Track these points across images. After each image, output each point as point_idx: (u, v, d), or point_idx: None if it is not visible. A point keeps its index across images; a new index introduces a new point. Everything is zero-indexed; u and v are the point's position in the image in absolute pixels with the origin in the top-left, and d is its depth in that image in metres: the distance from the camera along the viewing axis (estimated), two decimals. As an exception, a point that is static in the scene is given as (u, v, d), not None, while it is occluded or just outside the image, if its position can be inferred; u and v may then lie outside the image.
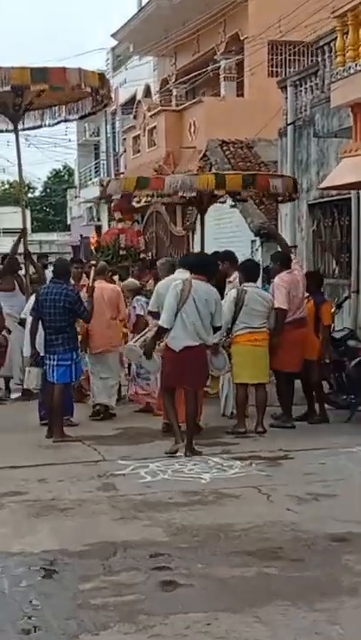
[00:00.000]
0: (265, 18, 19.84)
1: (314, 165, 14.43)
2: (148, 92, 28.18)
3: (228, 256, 10.90)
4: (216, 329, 8.65)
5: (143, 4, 25.97)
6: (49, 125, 12.78)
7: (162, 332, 8.58)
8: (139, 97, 28.58)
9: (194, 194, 10.71)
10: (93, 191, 36.65)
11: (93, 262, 9.56)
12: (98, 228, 38.87)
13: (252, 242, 17.30)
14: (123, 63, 33.31)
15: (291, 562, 5.12)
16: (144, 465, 7.81)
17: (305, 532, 5.67)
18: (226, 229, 18.60)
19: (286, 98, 15.47)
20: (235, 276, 10.38)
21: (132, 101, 30.41)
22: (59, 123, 12.60)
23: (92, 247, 12.05)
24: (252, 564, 5.10)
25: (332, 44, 12.45)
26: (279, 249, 10.72)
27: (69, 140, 35.24)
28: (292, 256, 10.43)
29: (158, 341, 8.88)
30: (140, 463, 7.88)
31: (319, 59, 13.28)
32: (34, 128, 13.13)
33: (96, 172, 38.79)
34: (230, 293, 9.29)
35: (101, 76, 10.55)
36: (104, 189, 11.40)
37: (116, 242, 12.69)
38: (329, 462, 7.81)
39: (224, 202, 17.25)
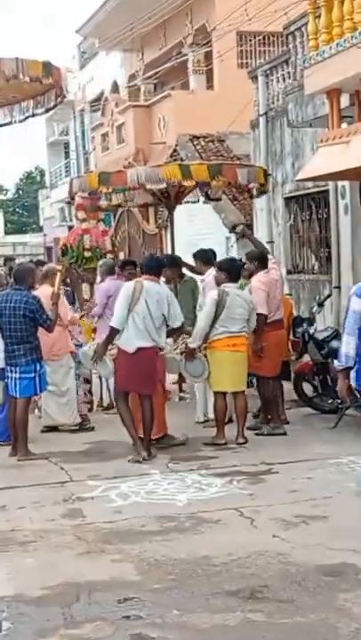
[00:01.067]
0: (232, 7, 19.18)
1: (289, 157, 13.82)
2: (115, 89, 27.47)
3: (201, 254, 10.29)
4: (174, 330, 8.33)
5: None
6: (20, 121, 12.03)
7: (113, 334, 8.16)
8: (106, 94, 27.85)
9: (163, 185, 10.06)
10: (64, 191, 35.87)
11: (59, 267, 8.85)
12: (70, 229, 38.20)
13: (227, 239, 16.67)
14: (89, 60, 32.61)
15: (279, 604, 4.47)
16: (115, 485, 7.14)
17: (294, 565, 5.02)
18: (199, 226, 17.95)
19: (257, 88, 14.85)
20: (208, 273, 9.80)
21: (100, 99, 29.72)
22: (27, 118, 11.83)
23: (61, 249, 11.30)
24: (236, 607, 4.45)
25: (303, 29, 11.84)
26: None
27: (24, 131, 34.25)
28: (269, 255, 9.83)
29: (110, 344, 8.36)
30: (111, 483, 7.22)
31: (290, 45, 12.65)
32: (3, 125, 12.39)
33: (67, 171, 38.02)
34: (210, 295, 8.62)
35: (46, 64, 9.75)
36: (70, 189, 10.69)
37: (80, 243, 11.96)
38: (317, 476, 7.17)
39: (196, 201, 16.70)
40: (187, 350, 8.67)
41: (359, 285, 6.11)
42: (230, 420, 8.91)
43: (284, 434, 8.86)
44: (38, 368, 8.37)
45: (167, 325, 8.22)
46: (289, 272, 13.83)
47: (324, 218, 12.86)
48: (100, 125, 25.48)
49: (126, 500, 6.74)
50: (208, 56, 21.70)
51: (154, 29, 23.21)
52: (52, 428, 9.59)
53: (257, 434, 8.92)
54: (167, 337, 8.49)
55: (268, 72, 14.40)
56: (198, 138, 18.49)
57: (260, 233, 14.91)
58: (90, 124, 32.38)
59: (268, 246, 14.68)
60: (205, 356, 8.65)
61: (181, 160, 18.37)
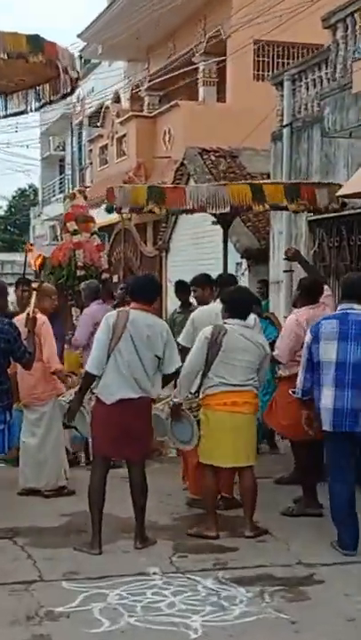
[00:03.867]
0: (250, 15, 17.40)
1: (316, 174, 11.93)
2: (117, 100, 25.70)
3: (204, 280, 8.37)
4: (167, 377, 6.26)
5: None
6: (36, 109, 10.08)
7: (89, 381, 6.15)
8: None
9: (227, 209, 8.12)
10: (57, 208, 34.10)
11: (35, 285, 6.85)
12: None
13: (238, 265, 14.76)
14: (90, 71, 30.88)
15: None
16: (100, 593, 5.18)
17: None
18: (206, 250, 16.06)
19: (282, 95, 12.99)
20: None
21: (100, 112, 27.96)
22: (43, 105, 9.88)
23: (34, 264, 9.19)
24: None
25: (348, 20, 10.03)
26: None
27: (27, 147, 32.46)
28: (326, 288, 7.82)
29: (90, 394, 6.37)
30: (95, 589, 5.25)
31: (330, 41, 10.81)
32: (19, 114, 10.47)
33: (60, 187, 36.22)
34: (203, 332, 6.47)
35: (32, 38, 7.77)
36: (110, 196, 8.46)
37: (72, 260, 9.97)
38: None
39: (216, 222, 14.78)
40: (172, 408, 6.62)
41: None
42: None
43: (320, 515, 6.85)
44: (8, 417, 6.41)
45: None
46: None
47: (357, 245, 10.97)
48: (99, 137, 23.66)
49: (115, 621, 4.75)
50: (220, 67, 19.92)
51: (162, 36, 21.48)
52: (31, 491, 7.54)
53: (284, 513, 6.96)
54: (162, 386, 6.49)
55: (297, 77, 12.55)
56: (208, 152, 16.64)
57: (279, 261, 13.00)
58: (87, 138, 30.63)
59: (286, 276, 12.88)
60: (197, 415, 6.58)
61: (188, 176, 16.56)
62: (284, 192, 8.13)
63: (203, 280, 8.33)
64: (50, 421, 7.43)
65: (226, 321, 6.50)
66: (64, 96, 9.66)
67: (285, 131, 12.64)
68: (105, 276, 10.14)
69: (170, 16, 20.33)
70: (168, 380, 6.35)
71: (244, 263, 14.56)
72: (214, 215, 9.62)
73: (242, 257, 14.49)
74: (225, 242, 10.02)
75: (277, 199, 8.15)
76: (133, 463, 6.18)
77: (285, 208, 8.46)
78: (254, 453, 6.54)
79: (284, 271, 12.75)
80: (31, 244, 8.70)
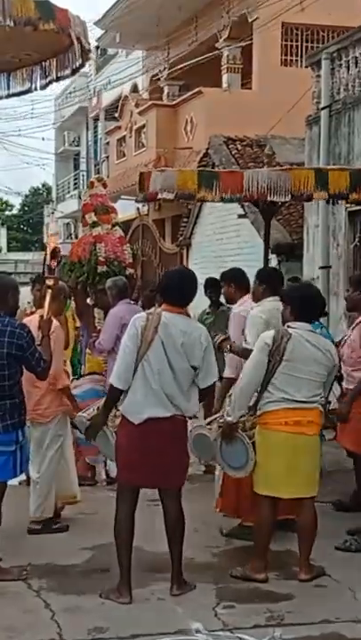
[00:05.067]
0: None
1: (358, 160, 10.90)
2: (135, 91, 24.66)
3: (235, 276, 7.34)
4: (203, 392, 5.23)
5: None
6: (42, 87, 9.04)
7: (115, 396, 5.14)
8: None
9: (288, 197, 7.08)
10: (71, 205, 33.21)
11: (48, 282, 5.80)
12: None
13: (267, 261, 13.69)
14: (107, 63, 29.91)
15: None
16: (134, 660, 4.17)
17: None
18: (231, 245, 15.05)
19: (319, 76, 11.96)
20: (242, 301, 6.89)
21: (116, 105, 26.98)
22: (50, 83, 8.81)
23: (49, 259, 8.13)
24: None
25: None
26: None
27: (43, 139, 31.52)
28: None
29: (115, 411, 5.35)
30: (127, 654, 4.25)
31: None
32: (22, 93, 9.41)
33: (75, 184, 35.25)
34: (262, 337, 5.43)
35: (41, 3, 6.72)
36: (143, 184, 7.35)
37: (93, 254, 8.92)
38: None
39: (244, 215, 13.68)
40: (223, 427, 5.57)
41: None
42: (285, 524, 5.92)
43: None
44: (20, 437, 5.39)
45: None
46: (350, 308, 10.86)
47: None
48: (117, 129, 22.62)
49: None
50: (245, 52, 18.87)
51: (184, 22, 20.41)
52: None
53: (339, 548, 5.93)
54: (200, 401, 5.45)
55: (336, 55, 11.51)
56: (234, 141, 15.63)
57: (314, 256, 11.99)
58: (103, 132, 29.68)
59: (322, 272, 11.85)
60: (252, 436, 5.53)
61: (213, 166, 15.52)
62: (349, 179, 7.03)
63: (235, 275, 7.33)
64: (51, 441, 6.36)
65: (289, 324, 5.46)
66: (74, 71, 8.58)
67: (323, 114, 11.62)
68: (130, 271, 9.09)
69: (192, 1, 19.33)
70: (203, 395, 5.34)
71: (275, 259, 13.50)
72: (256, 205, 8.56)
73: (272, 252, 13.40)
74: (266, 234, 8.98)
75: (341, 186, 7.06)
76: (168, 494, 5.17)
77: (346, 197, 7.36)
78: (317, 482, 5.49)
79: (321, 267, 11.75)
80: (53, 235, 7.62)
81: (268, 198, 7.02)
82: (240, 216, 14.16)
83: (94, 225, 9.06)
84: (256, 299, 6.47)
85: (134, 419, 5.03)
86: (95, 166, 31.47)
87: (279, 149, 15.60)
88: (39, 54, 8.50)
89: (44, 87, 8.97)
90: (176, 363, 5.03)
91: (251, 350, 5.61)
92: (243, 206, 13.83)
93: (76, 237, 36.01)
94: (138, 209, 21.05)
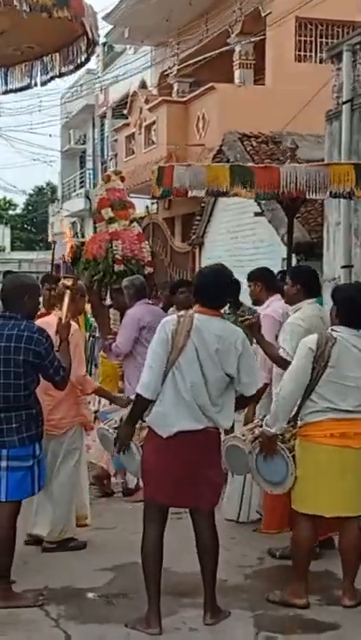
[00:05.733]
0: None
1: (382, 157, 10.48)
2: (143, 88, 24.24)
3: (264, 275, 6.92)
4: (246, 400, 4.84)
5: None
6: (42, 83, 8.56)
7: (141, 406, 4.71)
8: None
9: (327, 195, 6.67)
10: (78, 203, 32.80)
11: (67, 282, 5.35)
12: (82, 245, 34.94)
13: (284, 260, 13.26)
14: (114, 60, 29.50)
15: None
16: None
17: None
18: (246, 244, 14.63)
19: (340, 69, 11.52)
20: (270, 301, 6.54)
21: (124, 102, 26.57)
22: (52, 79, 8.34)
23: (68, 258, 7.72)
24: None
25: None
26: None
27: (50, 135, 31.14)
28: None
29: (141, 423, 4.93)
30: None
31: None
32: (21, 89, 8.92)
33: (81, 183, 34.83)
34: (305, 342, 5.03)
35: None
36: (161, 180, 6.88)
37: (110, 252, 8.49)
38: None
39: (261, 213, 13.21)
40: (262, 439, 5.17)
41: None
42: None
43: None
44: (37, 451, 4.98)
45: (235, 391, 4.80)
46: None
47: None
48: (126, 126, 22.21)
49: None
50: (257, 47, 18.44)
51: (194, 17, 19.98)
52: (38, 540, 6.02)
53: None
54: (236, 409, 5.02)
55: (358, 47, 11.08)
56: (249, 137, 15.20)
57: (335, 255, 11.56)
58: (110, 130, 29.29)
59: (343, 272, 11.41)
60: (291, 449, 5.13)
61: (228, 162, 15.11)
62: None
63: (263, 274, 6.93)
64: (65, 455, 5.93)
65: (334, 328, 5.04)
66: (78, 66, 8.11)
67: (345, 108, 11.16)
68: (148, 270, 8.66)
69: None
70: (246, 403, 4.94)
71: (293, 258, 13.04)
72: (280, 203, 8.13)
73: (292, 252, 12.98)
74: (290, 232, 8.55)
75: None
76: (201, 514, 4.74)
77: None
78: (361, 503, 5.06)
79: (343, 267, 11.31)
80: (71, 231, 7.21)
81: (307, 196, 6.60)
82: (257, 214, 13.75)
83: (111, 221, 8.63)
84: (290, 301, 6.04)
85: (163, 432, 4.62)
86: (102, 164, 31.07)
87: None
88: (42, 47, 8.08)
89: (45, 83, 8.50)
90: (209, 371, 4.63)
91: (288, 361, 5.20)
92: (259, 204, 13.42)
93: (82, 236, 35.77)
94: (147, 207, 20.64)
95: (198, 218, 16.72)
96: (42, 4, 6.77)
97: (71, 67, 7.97)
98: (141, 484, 6.94)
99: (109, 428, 5.26)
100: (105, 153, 30.91)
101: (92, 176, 33.39)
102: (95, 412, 7.69)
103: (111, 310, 8.59)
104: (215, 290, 4.75)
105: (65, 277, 5.46)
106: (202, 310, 4.72)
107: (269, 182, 6.56)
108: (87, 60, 7.93)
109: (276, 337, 5.97)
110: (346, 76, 11.21)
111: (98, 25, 8.09)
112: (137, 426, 4.91)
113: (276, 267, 13.13)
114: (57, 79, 8.27)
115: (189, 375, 4.60)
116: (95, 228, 29.55)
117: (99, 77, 29.87)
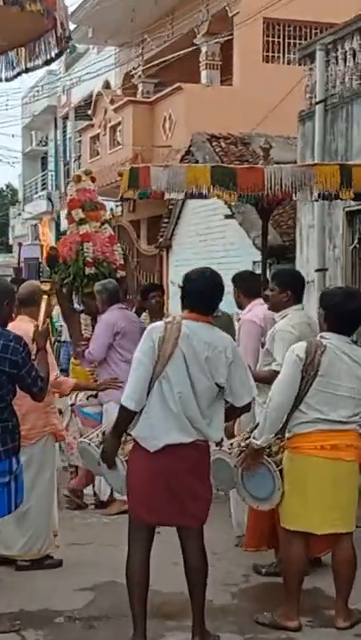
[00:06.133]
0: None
1: (357, 158, 10.27)
2: (107, 89, 23.89)
3: (244, 279, 6.67)
4: (236, 410, 4.55)
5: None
6: (8, 79, 8.22)
7: (126, 418, 4.39)
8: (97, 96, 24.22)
9: (315, 196, 6.41)
10: (40, 205, 32.37)
11: (44, 287, 5.05)
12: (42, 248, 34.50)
13: (255, 263, 13.06)
14: (76, 60, 29.10)
15: None
16: None
17: None
18: (216, 247, 14.39)
19: (312, 69, 11.34)
20: (251, 306, 6.33)
21: (87, 103, 26.20)
22: (18, 74, 7.98)
23: (47, 256, 7.41)
24: None
25: None
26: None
27: (13, 136, 30.67)
28: None
29: (125, 436, 4.62)
30: None
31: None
32: None
33: (43, 185, 34.37)
34: (294, 350, 4.74)
35: None
36: (133, 180, 6.56)
37: (80, 254, 8.18)
38: None
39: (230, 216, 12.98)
40: (248, 452, 4.90)
41: None
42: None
43: None
44: (14, 466, 4.66)
45: (226, 402, 4.52)
46: None
47: None
48: (90, 126, 21.87)
49: None
50: (224, 48, 18.24)
51: (159, 16, 19.73)
52: (7, 560, 5.66)
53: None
54: (226, 421, 4.70)
55: (331, 47, 10.90)
56: (218, 138, 14.99)
57: (309, 258, 11.37)
58: (73, 131, 28.91)
59: (317, 275, 11.22)
60: (278, 463, 4.86)
61: (196, 163, 14.87)
62: None
63: (241, 278, 6.68)
64: (39, 467, 5.59)
65: (323, 335, 4.79)
66: (47, 62, 7.77)
67: (318, 108, 10.98)
68: (121, 273, 8.36)
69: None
70: (236, 414, 4.68)
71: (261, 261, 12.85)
72: (256, 205, 7.88)
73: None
74: (264, 234, 8.31)
75: None
76: (189, 533, 4.46)
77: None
78: (355, 515, 4.81)
79: (317, 270, 11.11)
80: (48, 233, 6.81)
81: (293, 197, 6.36)
82: (227, 216, 13.54)
83: (82, 222, 8.32)
84: (275, 307, 5.77)
85: (150, 445, 4.33)
86: (65, 166, 30.68)
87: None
88: (7, 42, 7.74)
89: (10, 79, 8.16)
90: (199, 380, 4.35)
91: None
92: (230, 206, 13.20)
93: (42, 237, 35.29)
94: (112, 209, 20.32)
95: (166, 220, 16.47)
96: (19, -1, 6.46)
97: (38, 62, 7.64)
98: (116, 495, 6.73)
99: (90, 441, 4.94)
100: (67, 154, 30.53)
101: (54, 178, 32.98)
102: (71, 404, 7.41)
103: (82, 315, 8.27)
104: (204, 294, 4.48)
105: (42, 282, 5.16)
106: (190, 316, 4.45)
107: (253, 184, 6.30)
108: (58, 55, 7.63)
109: (263, 345, 5.72)
110: (319, 75, 11.03)
111: (69, 19, 7.79)
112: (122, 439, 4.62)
113: (247, 269, 12.97)
114: (23, 74, 8.02)
115: (177, 385, 4.32)
116: (58, 229, 29.08)
117: (61, 78, 29.48)
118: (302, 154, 11.60)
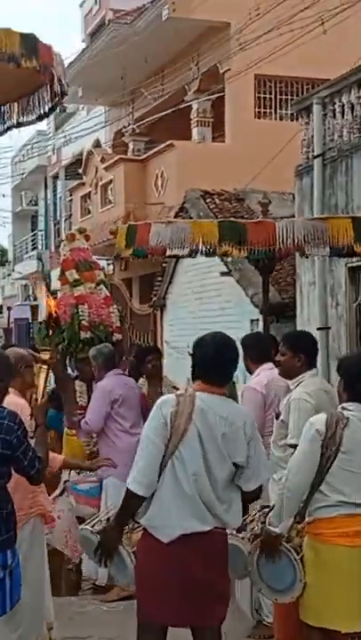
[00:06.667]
0: (252, 49, 15.53)
1: (358, 212, 9.98)
2: (98, 147, 23.76)
3: (251, 342, 6.30)
4: (248, 496, 4.09)
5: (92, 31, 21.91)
6: None
7: (133, 504, 3.93)
8: (87, 155, 24.09)
9: (327, 251, 6.09)
10: (30, 265, 32.13)
11: (44, 356, 4.62)
12: (34, 309, 34.15)
13: (253, 322, 12.70)
14: (66, 121, 29.10)
15: None
16: None
17: None
18: (212, 305, 14.02)
19: (308, 123, 11.11)
20: (259, 371, 6.00)
21: (77, 162, 26.08)
22: (9, 129, 7.70)
23: (48, 317, 7.00)
24: None
25: None
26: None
27: (4, 195, 30.48)
28: None
29: (129, 522, 4.16)
30: None
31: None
32: None
33: (33, 244, 34.16)
34: (312, 424, 4.31)
35: (27, 37, 5.71)
36: (131, 238, 6.26)
37: (76, 317, 7.77)
38: None
39: (228, 273, 12.65)
40: (263, 537, 4.42)
41: None
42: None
43: None
44: (9, 560, 4.17)
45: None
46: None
47: None
48: (81, 185, 21.65)
49: None
50: (215, 105, 18.12)
51: (150, 74, 19.65)
52: None
53: None
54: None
55: (328, 100, 10.67)
56: (212, 195, 14.72)
57: (310, 316, 11.00)
58: (63, 191, 28.77)
59: (320, 334, 10.81)
60: (298, 549, 4.37)
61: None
62: None
63: (247, 342, 6.30)
64: (27, 554, 4.89)
65: (345, 406, 4.36)
66: (40, 117, 7.48)
67: (316, 162, 10.71)
68: (117, 337, 7.95)
69: (159, 52, 18.61)
70: (248, 500, 4.21)
71: (263, 320, 12.47)
72: (256, 261, 7.55)
73: (261, 312, 12.40)
74: (265, 292, 7.97)
75: None
76: (206, 633, 3.96)
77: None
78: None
79: (319, 328, 10.72)
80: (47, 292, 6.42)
81: (306, 251, 6.01)
82: (223, 274, 13.20)
83: (76, 283, 7.93)
84: (288, 373, 5.35)
85: (163, 535, 3.86)
86: (55, 225, 30.47)
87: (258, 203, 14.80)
88: (2, 95, 7.48)
89: (1, 134, 7.90)
90: (215, 460, 3.91)
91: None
92: (226, 264, 12.88)
93: (35, 299, 34.92)
94: (103, 268, 20.01)
95: (160, 278, 16.13)
96: (9, 54, 6.12)
97: (32, 117, 7.36)
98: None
99: (92, 529, 4.45)
100: (58, 214, 30.35)
101: (44, 237, 32.78)
102: (65, 482, 6.90)
103: (77, 382, 7.84)
104: (219, 363, 4.06)
105: (41, 350, 4.72)
106: (204, 388, 4.02)
107: (264, 238, 5.96)
108: (52, 109, 7.35)
109: (277, 416, 5.30)
110: (316, 129, 10.79)
111: (66, 74, 7.53)
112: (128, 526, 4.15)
113: (245, 329, 12.59)
114: (14, 130, 7.75)
115: (192, 465, 3.87)
116: (48, 289, 28.57)
117: (51, 139, 29.46)
118: (300, 209, 11.31)
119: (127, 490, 3.95)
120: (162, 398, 4.11)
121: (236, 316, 12.98)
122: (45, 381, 4.55)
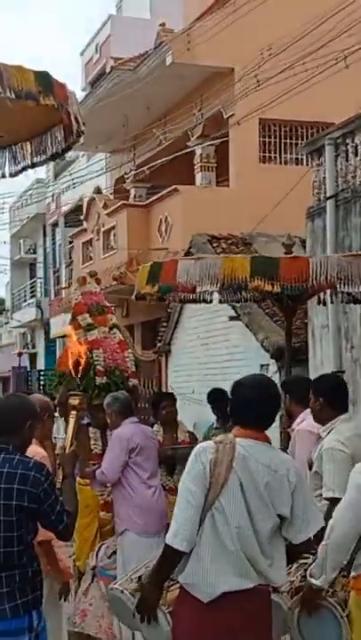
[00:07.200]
0: (255, 95, 15.47)
1: (374, 253, 9.77)
2: (99, 194, 23.65)
3: (296, 385, 6.12)
4: (296, 549, 3.77)
5: (91, 79, 21.92)
6: (12, 175, 7.74)
7: (172, 561, 3.62)
8: (87, 202, 23.99)
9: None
10: (29, 313, 31.90)
11: (73, 401, 4.31)
12: (33, 357, 33.84)
13: (263, 366, 12.41)
14: (65, 168, 29.09)
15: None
16: None
17: None
18: (219, 350, 13.74)
19: (319, 164, 10.96)
20: (304, 416, 5.69)
21: (77, 209, 25.99)
22: (24, 169, 7.51)
23: (63, 367, 6.69)
24: None
25: None
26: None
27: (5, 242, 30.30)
28: None
29: (168, 581, 3.81)
30: None
31: None
32: None
33: (32, 292, 33.95)
34: (358, 473, 4.01)
35: (42, 75, 5.56)
36: (155, 276, 6.13)
37: (90, 364, 7.48)
38: None
39: (236, 317, 12.42)
40: (305, 592, 4.10)
41: None
42: None
43: None
44: (35, 622, 3.83)
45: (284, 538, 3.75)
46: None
47: None
48: (83, 231, 21.50)
49: None
50: (219, 149, 18.04)
51: (152, 122, 19.60)
52: None
53: None
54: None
55: (340, 140, 10.53)
56: (219, 239, 14.53)
57: (323, 360, 10.73)
58: (63, 239, 28.64)
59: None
60: (343, 605, 4.04)
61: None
62: None
63: (290, 386, 6.10)
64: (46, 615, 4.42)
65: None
66: (53, 156, 7.30)
67: (329, 204, 10.53)
68: (133, 382, 7.67)
69: (162, 98, 18.59)
70: (297, 553, 3.89)
71: (273, 365, 12.21)
72: (280, 302, 7.33)
73: (271, 357, 12.13)
74: (288, 334, 7.73)
75: None
76: None
77: None
78: None
79: (333, 372, 10.44)
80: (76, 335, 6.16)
81: (339, 288, 5.79)
82: (232, 318, 12.94)
83: (90, 328, 7.65)
84: (318, 418, 5.09)
85: (203, 594, 3.54)
86: (54, 273, 30.29)
87: (266, 247, 14.60)
88: (13, 136, 7.29)
89: (15, 174, 7.70)
90: (259, 511, 3.60)
91: (337, 499, 4.21)
92: (234, 307, 12.63)
93: (34, 347, 34.61)
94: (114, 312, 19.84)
95: (165, 324, 15.87)
96: (27, 91, 5.97)
97: (45, 156, 7.17)
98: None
99: (123, 588, 4.10)
100: (57, 261, 30.20)
101: (42, 285, 32.59)
102: (93, 567, 6.52)
103: (90, 429, 7.52)
104: (261, 407, 3.78)
105: (70, 395, 4.43)
106: (244, 434, 3.73)
107: (298, 274, 5.75)
108: (67, 149, 7.18)
109: (310, 466, 5.00)
110: (329, 170, 10.63)
111: (81, 112, 7.38)
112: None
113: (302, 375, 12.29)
114: (29, 169, 7.57)
115: (234, 518, 3.57)
116: (48, 337, 28.21)
117: (50, 186, 29.40)
118: (313, 251, 11.10)
119: (166, 546, 3.63)
120: (199, 445, 3.82)
121: (245, 361, 12.70)
122: (74, 429, 4.24)
